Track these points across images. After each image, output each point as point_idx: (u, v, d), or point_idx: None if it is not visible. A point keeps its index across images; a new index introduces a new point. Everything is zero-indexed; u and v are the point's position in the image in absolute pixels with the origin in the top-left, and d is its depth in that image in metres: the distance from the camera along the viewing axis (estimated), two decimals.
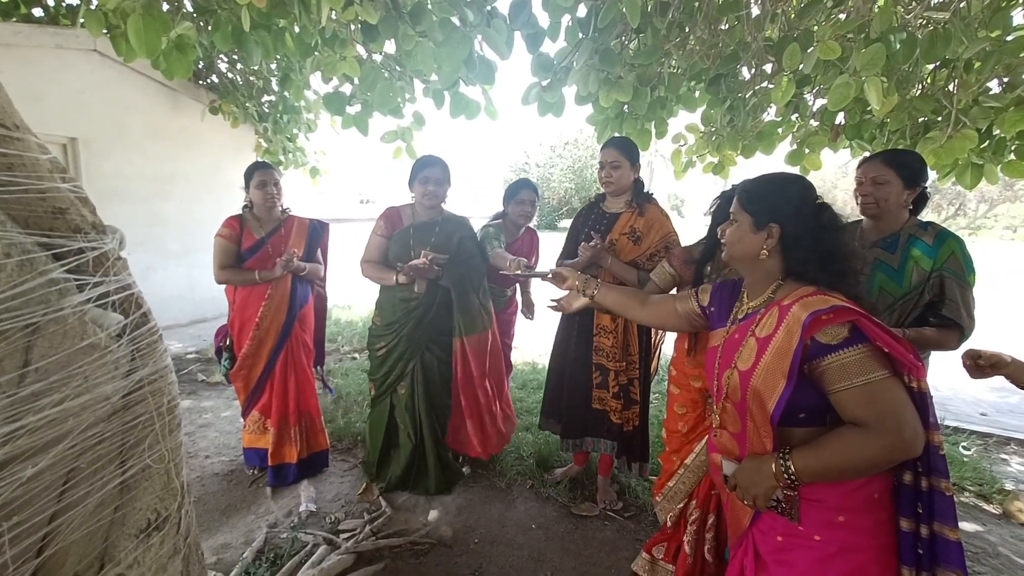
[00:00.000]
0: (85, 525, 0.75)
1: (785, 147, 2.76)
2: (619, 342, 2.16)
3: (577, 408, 2.28)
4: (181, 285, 5.30)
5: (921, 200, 1.69)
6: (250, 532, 2.11)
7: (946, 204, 27.13)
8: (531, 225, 2.88)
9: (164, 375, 0.85)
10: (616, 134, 2.65)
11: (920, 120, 2.22)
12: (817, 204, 1.07)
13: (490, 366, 2.39)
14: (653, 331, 2.26)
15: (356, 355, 4.68)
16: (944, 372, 3.95)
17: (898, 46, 1.76)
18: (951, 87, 2.06)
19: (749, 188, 1.13)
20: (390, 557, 1.98)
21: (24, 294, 0.62)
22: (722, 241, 1.17)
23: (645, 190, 2.22)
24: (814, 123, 2.59)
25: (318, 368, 2.69)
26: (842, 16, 2.09)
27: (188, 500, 0.92)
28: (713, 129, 2.83)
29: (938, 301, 1.59)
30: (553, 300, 1.76)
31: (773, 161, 2.86)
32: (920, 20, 1.89)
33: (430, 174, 2.22)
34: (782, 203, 1.07)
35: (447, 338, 2.35)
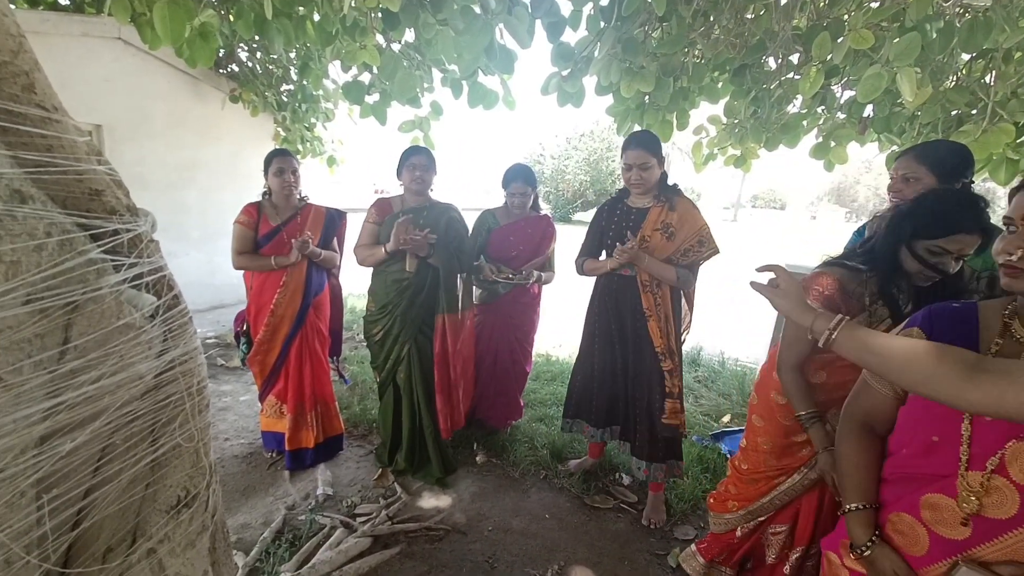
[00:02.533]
0: (118, 500, 0.77)
1: (810, 140, 2.71)
2: (664, 336, 2.10)
3: (621, 406, 2.24)
4: (201, 271, 5.38)
5: None
6: (269, 513, 2.16)
7: None
8: (547, 213, 2.86)
9: (194, 356, 0.86)
10: (636, 126, 2.61)
11: (953, 113, 2.15)
12: None
13: (462, 346, 2.47)
14: (682, 323, 2.22)
15: None
16: None
17: (934, 35, 1.70)
18: (988, 79, 1.99)
19: None
20: (406, 541, 2.01)
21: (64, 273, 0.64)
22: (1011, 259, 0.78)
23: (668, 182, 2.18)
24: (841, 115, 2.53)
25: (334, 358, 2.72)
26: (874, 4, 2.03)
27: (215, 479, 0.94)
28: (736, 121, 2.77)
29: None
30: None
31: (796, 155, 2.81)
32: (958, 8, 1.83)
33: (416, 161, 2.35)
34: None
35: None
